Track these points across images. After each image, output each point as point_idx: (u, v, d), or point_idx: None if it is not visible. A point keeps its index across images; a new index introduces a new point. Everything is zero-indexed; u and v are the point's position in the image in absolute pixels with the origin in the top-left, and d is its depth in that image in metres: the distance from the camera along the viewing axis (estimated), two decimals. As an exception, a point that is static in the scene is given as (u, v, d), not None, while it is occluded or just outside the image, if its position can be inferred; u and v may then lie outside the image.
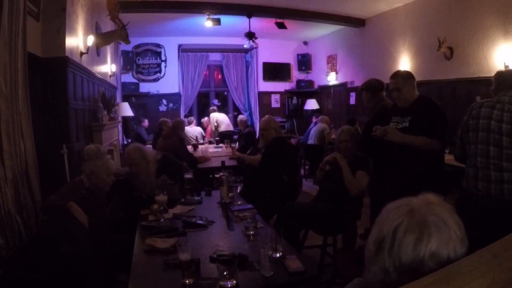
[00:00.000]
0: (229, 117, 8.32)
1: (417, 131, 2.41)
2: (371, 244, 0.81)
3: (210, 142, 6.54)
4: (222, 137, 6.52)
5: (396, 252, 0.75)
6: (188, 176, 2.88)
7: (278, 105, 9.68)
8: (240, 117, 7.43)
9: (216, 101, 9.02)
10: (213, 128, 7.63)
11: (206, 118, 8.15)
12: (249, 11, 6.33)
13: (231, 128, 7.59)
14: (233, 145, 5.69)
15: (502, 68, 4.42)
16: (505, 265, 0.73)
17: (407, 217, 0.78)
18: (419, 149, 2.40)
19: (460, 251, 0.76)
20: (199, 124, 8.20)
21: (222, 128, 7.42)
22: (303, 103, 9.22)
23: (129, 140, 7.10)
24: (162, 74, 8.63)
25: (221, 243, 1.94)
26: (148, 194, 2.85)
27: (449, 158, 4.37)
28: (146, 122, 7.36)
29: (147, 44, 8.45)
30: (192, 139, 6.60)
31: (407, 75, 2.61)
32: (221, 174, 2.73)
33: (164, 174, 2.89)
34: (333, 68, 8.50)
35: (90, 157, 2.41)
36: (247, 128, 6.94)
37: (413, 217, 0.77)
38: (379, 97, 3.23)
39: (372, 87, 3.25)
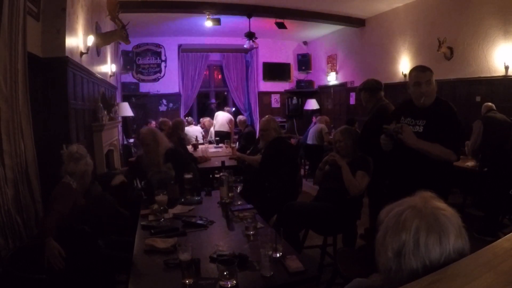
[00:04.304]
0: (227, 111, 8.12)
1: (431, 139, 2.13)
2: (390, 253, 0.83)
3: (210, 142, 6.54)
4: (216, 136, 6.54)
5: (424, 252, 0.79)
6: (188, 176, 2.88)
7: (278, 105, 9.68)
8: (239, 117, 7.41)
9: (213, 101, 9.02)
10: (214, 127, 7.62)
11: (204, 120, 8.10)
12: (249, 11, 6.33)
13: (224, 128, 7.40)
14: (233, 145, 5.68)
15: (502, 68, 4.42)
16: (505, 265, 0.73)
17: (419, 218, 0.81)
18: (432, 157, 2.14)
19: (467, 238, 0.82)
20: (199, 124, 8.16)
21: (215, 128, 7.41)
22: (303, 103, 9.22)
23: (130, 140, 7.10)
24: (162, 74, 8.63)
25: (221, 243, 1.93)
26: (151, 179, 2.96)
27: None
28: (153, 124, 7.09)
29: (147, 44, 8.46)
30: (192, 139, 6.59)
31: (432, 71, 2.25)
32: (221, 174, 2.74)
33: (170, 162, 3.04)
34: (333, 68, 8.50)
35: (82, 156, 2.35)
36: (247, 128, 6.93)
37: (424, 217, 0.81)
38: (377, 97, 3.22)
39: (370, 87, 3.25)
